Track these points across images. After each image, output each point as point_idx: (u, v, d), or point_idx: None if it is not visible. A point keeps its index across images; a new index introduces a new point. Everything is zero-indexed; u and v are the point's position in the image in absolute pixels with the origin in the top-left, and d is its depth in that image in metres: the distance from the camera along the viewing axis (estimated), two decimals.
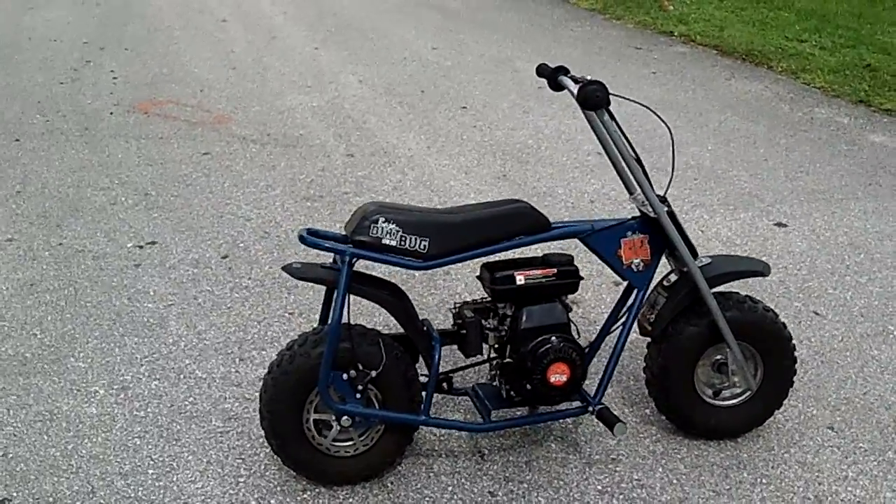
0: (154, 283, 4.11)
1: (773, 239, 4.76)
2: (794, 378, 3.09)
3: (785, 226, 4.93)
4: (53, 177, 5.38)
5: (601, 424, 3.11)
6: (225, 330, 3.75)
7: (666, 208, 2.81)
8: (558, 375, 2.78)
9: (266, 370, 2.77)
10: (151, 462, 2.96)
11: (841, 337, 3.81)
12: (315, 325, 3.73)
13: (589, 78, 2.87)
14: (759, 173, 5.70)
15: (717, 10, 10.87)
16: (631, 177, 2.87)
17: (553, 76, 2.97)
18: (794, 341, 3.05)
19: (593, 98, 2.60)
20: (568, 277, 2.82)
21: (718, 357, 3.03)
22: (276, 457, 2.87)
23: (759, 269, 3.01)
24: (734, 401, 3.07)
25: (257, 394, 3.27)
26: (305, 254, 4.38)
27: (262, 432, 2.91)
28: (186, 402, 3.28)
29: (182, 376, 3.43)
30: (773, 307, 3.30)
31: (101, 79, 7.50)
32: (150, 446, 3.04)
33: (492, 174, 5.52)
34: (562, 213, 4.94)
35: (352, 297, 2.67)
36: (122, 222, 4.74)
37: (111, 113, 6.56)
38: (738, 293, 3.01)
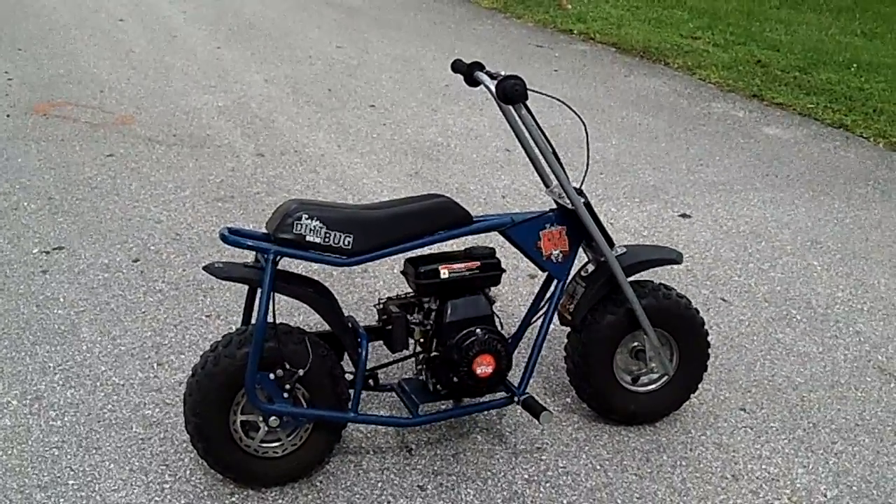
0: (63, 290, 3.99)
1: (678, 229, 4.91)
2: (707, 362, 3.21)
3: (689, 217, 5.10)
4: None
5: (526, 414, 3.19)
6: (140, 335, 3.67)
7: (583, 200, 2.89)
8: (484, 367, 2.82)
9: (189, 373, 2.73)
10: (71, 472, 2.88)
11: (748, 322, 3.97)
12: (234, 328, 3.71)
13: (504, 73, 2.94)
14: (661, 167, 5.88)
15: (614, 8, 11.15)
16: (548, 170, 2.94)
17: (469, 72, 3.01)
18: (706, 327, 3.17)
19: (512, 92, 2.65)
20: (491, 270, 2.86)
21: (635, 344, 3.12)
22: (201, 461, 2.83)
23: (672, 258, 3.11)
24: (652, 386, 3.17)
25: (178, 398, 3.25)
26: (220, 255, 4.33)
27: (186, 437, 2.88)
28: (105, 410, 3.20)
29: (99, 383, 3.35)
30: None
31: None
32: (69, 456, 2.95)
33: (404, 172, 5.54)
34: (475, 209, 4.99)
35: (275, 296, 2.65)
36: (25, 227, 4.58)
37: (7, 115, 6.32)
38: (652, 281, 3.11)
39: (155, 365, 3.48)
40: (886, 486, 2.98)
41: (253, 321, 2.81)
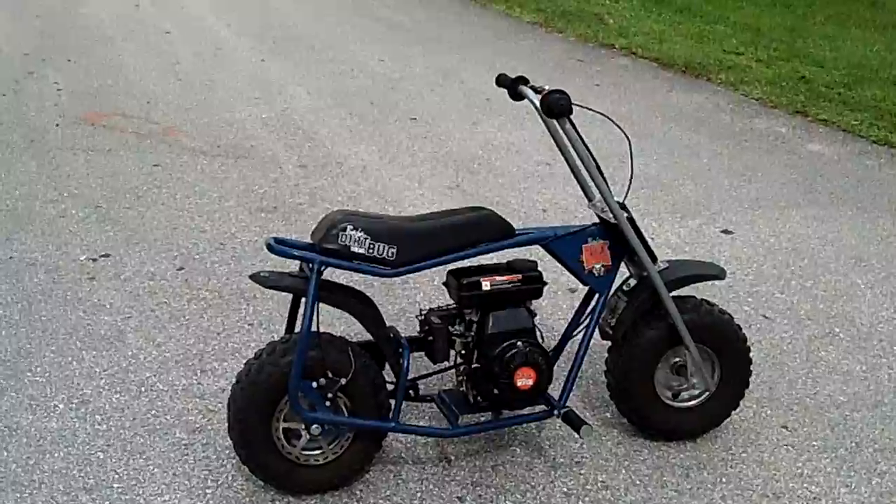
0: (110, 296, 4.07)
1: (720, 245, 4.89)
2: (749, 379, 3.19)
3: (731, 233, 5.06)
4: (0, 189, 5.28)
5: (565, 428, 3.18)
6: (184, 342, 3.73)
7: (626, 214, 2.89)
8: (525, 379, 2.82)
9: (234, 380, 2.77)
10: (116, 476, 2.93)
11: (790, 339, 3.94)
12: (276, 336, 3.75)
13: (548, 88, 2.96)
14: (703, 182, 5.85)
15: (656, 23, 11.12)
16: (591, 184, 2.95)
17: (513, 86, 3.04)
18: (748, 343, 3.15)
19: (557, 106, 2.66)
20: (532, 283, 2.88)
21: (676, 359, 3.11)
22: (243, 468, 2.87)
23: (715, 273, 3.10)
24: (692, 402, 3.16)
25: (220, 405, 3.29)
26: (262, 265, 4.38)
27: (229, 443, 2.92)
28: (149, 415, 3.25)
29: (143, 389, 3.40)
30: None
31: (45, 90, 7.37)
32: (113, 460, 3.01)
33: (444, 185, 5.57)
34: (515, 222, 4.88)
35: (319, 305, 2.68)
36: (73, 235, 4.68)
37: (57, 125, 6.46)
38: (694, 297, 3.10)
39: (198, 372, 3.53)
40: None
41: (296, 330, 2.85)
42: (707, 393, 3.14)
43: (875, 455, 3.19)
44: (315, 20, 10.92)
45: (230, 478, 2.93)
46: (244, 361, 3.50)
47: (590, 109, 2.95)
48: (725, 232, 5.07)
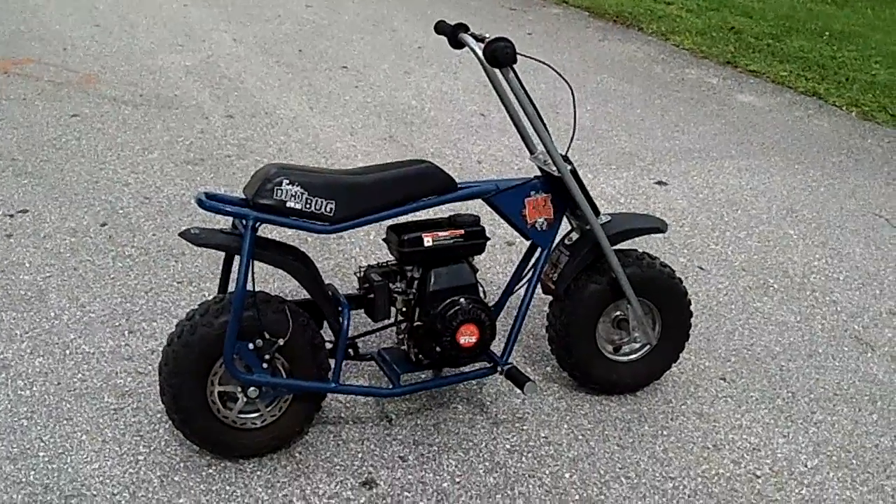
0: (29, 254, 3.87)
1: (654, 197, 4.88)
2: (689, 332, 3.19)
3: (665, 184, 5.07)
4: None
5: (507, 384, 3.15)
6: (110, 301, 3.58)
7: (569, 167, 2.83)
8: (468, 337, 2.77)
9: (165, 342, 2.65)
10: (42, 444, 2.80)
11: (725, 291, 3.96)
12: (207, 294, 3.63)
13: (489, 35, 2.86)
14: (637, 133, 5.83)
15: None
16: (533, 136, 2.88)
17: (454, 33, 2.93)
18: (689, 296, 3.15)
19: (503, 55, 2.57)
20: (475, 238, 2.81)
21: (618, 313, 3.09)
22: (177, 432, 2.76)
23: (657, 226, 3.07)
24: (634, 356, 3.15)
25: (150, 367, 3.18)
26: (190, 220, 4.23)
27: (161, 407, 2.83)
28: (75, 379, 3.11)
29: (68, 352, 3.25)
30: None
31: None
32: (38, 427, 2.87)
33: (377, 136, 5.44)
34: (451, 174, 4.91)
35: (253, 263, 2.58)
36: None
37: None
38: (636, 250, 3.07)
39: (126, 333, 3.39)
40: (865, 456, 2.99)
41: (230, 289, 2.74)
42: (648, 346, 3.13)
43: (811, 405, 3.23)
44: None
45: (163, 443, 2.82)
46: (175, 322, 3.42)
47: (534, 59, 2.88)
48: (660, 183, 5.07)
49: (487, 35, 2.86)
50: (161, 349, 3.23)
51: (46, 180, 4.56)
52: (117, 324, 3.44)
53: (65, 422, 2.90)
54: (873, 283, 4.12)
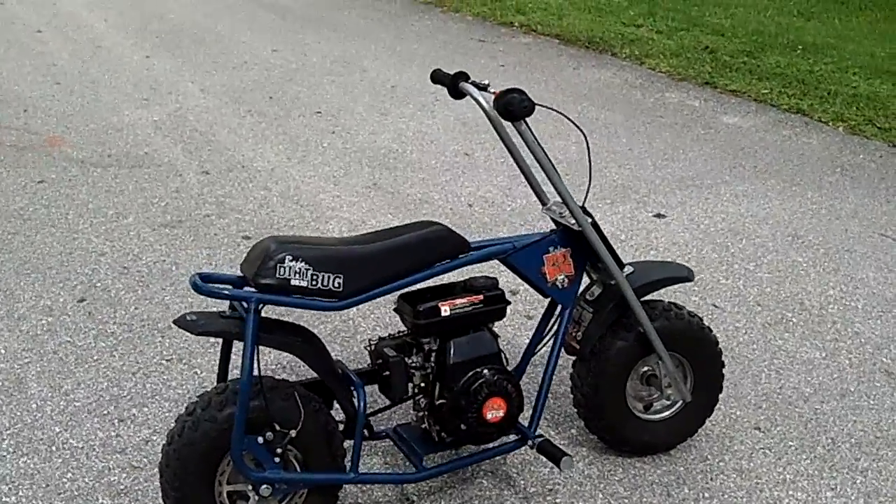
0: (3, 339, 3.60)
1: (655, 231, 4.71)
2: (722, 384, 2.99)
3: (664, 216, 4.90)
4: None
5: (531, 452, 2.92)
6: (95, 387, 3.31)
7: (589, 220, 2.64)
8: (495, 411, 2.55)
9: (165, 440, 2.40)
10: None
11: (744, 329, 3.78)
12: (199, 373, 3.38)
13: (487, 83, 2.68)
14: (626, 163, 5.68)
15: None
16: (549, 187, 2.68)
17: (454, 83, 2.74)
18: (720, 345, 2.95)
19: (519, 108, 2.38)
20: (495, 303, 2.60)
21: (646, 369, 2.89)
22: None
23: (684, 275, 2.88)
24: (666, 413, 2.95)
25: (146, 460, 2.93)
26: (173, 289, 3.99)
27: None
28: (65, 479, 2.84)
29: (54, 448, 2.99)
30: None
31: None
32: None
33: (361, 184, 5.23)
34: (443, 220, 4.71)
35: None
36: None
37: None
38: (662, 301, 2.88)
39: (116, 421, 3.13)
40: None
41: (230, 376, 2.51)
42: (681, 403, 2.92)
43: (853, 451, 3.05)
44: (197, 10, 10.30)
45: None
46: (167, 405, 3.18)
47: (548, 108, 2.69)
48: (658, 216, 4.90)
49: (486, 82, 2.69)
50: (153, 438, 3.03)
51: (16, 255, 4.29)
52: (105, 412, 3.18)
53: None
54: (893, 311, 3.96)
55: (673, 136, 6.19)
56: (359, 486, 2.80)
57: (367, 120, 6.38)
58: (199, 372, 3.41)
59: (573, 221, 2.63)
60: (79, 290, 3.99)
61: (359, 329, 3.71)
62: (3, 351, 3.53)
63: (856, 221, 4.87)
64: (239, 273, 2.47)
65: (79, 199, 4.94)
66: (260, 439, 2.37)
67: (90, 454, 2.97)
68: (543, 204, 2.83)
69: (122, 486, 2.82)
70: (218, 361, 2.63)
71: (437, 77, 2.83)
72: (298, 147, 5.81)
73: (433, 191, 5.15)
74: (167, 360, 3.49)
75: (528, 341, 2.89)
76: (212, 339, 3.58)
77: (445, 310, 2.52)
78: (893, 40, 8.98)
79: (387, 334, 2.73)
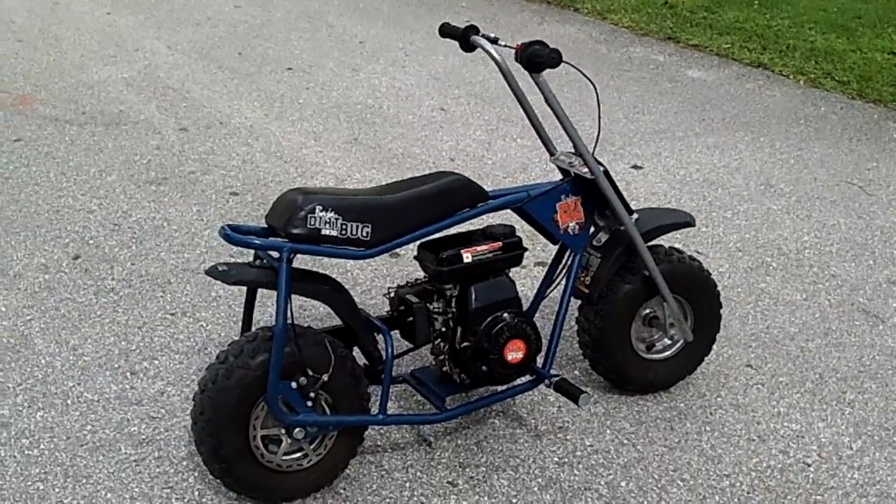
0: (2, 298, 3.60)
1: (634, 182, 4.84)
2: (720, 323, 3.14)
3: (641, 168, 5.03)
4: None
5: (540, 392, 3.05)
6: (103, 342, 3.35)
7: (601, 168, 2.74)
8: (515, 353, 2.66)
9: (197, 388, 2.46)
10: None
11: (728, 274, 3.94)
12: (206, 326, 3.43)
13: (493, 35, 2.76)
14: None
15: None
16: (561, 137, 2.78)
17: (465, 36, 2.80)
18: (718, 288, 3.09)
19: (548, 59, 2.47)
20: (513, 250, 2.69)
21: (648, 311, 3.02)
22: (210, 479, 2.60)
23: (686, 220, 3.02)
24: (667, 353, 3.08)
25: (164, 410, 2.99)
26: (168, 244, 4.01)
27: (184, 454, 2.73)
28: (84, 431, 2.89)
29: (70, 401, 3.02)
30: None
31: None
32: (57, 490, 2.65)
33: (342, 139, 5.26)
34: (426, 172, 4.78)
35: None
36: None
37: None
38: (664, 246, 3.00)
39: (128, 374, 3.17)
40: None
41: (255, 326, 2.57)
42: (682, 343, 3.06)
43: (839, 384, 3.23)
44: None
45: (197, 493, 2.64)
46: (177, 358, 3.23)
47: (570, 65, 2.79)
48: (635, 167, 5.03)
49: (493, 34, 2.76)
50: (168, 389, 3.08)
51: (3, 213, 4.26)
52: (116, 366, 3.22)
53: (84, 480, 2.69)
54: (865, 254, 4.15)
55: (641, 90, 6.32)
56: (377, 430, 2.89)
57: (340, 76, 6.39)
58: (204, 325, 3.46)
59: (585, 170, 2.73)
60: (72, 247, 3.99)
61: (358, 280, 3.78)
62: (3, 309, 3.53)
63: (823, 170, 5.05)
64: (263, 224, 2.52)
65: (58, 157, 4.90)
66: (293, 384, 2.44)
67: (107, 406, 3.01)
68: (551, 154, 2.92)
69: (143, 436, 2.87)
70: (242, 311, 2.69)
71: (447, 31, 2.89)
72: (274, 103, 5.81)
73: (414, 145, 5.20)
74: (171, 315, 3.52)
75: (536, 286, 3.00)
76: (213, 293, 3.63)
77: (467, 257, 2.61)
78: None
79: (405, 282, 2.81)
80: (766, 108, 6.04)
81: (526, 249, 2.75)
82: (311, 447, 2.56)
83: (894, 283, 3.90)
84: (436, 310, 2.67)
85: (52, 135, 5.19)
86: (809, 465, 2.83)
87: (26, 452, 2.80)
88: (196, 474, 2.70)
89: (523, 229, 2.92)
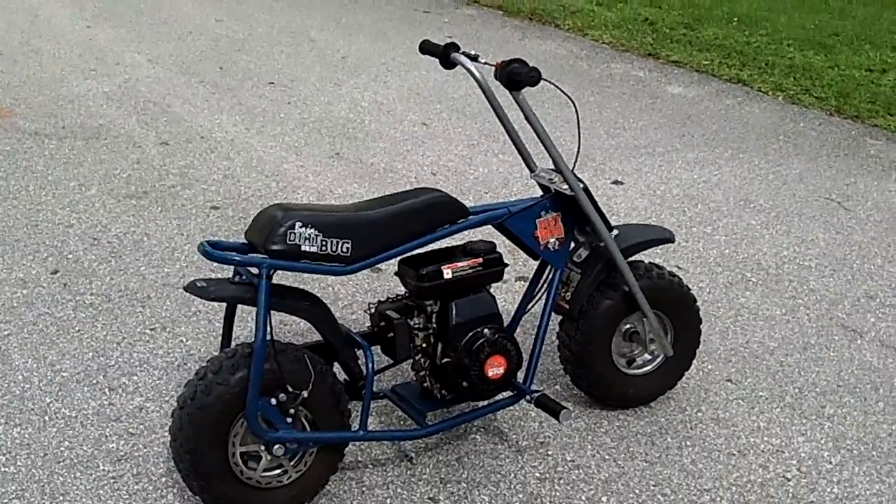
0: None
1: (615, 198, 4.87)
2: (700, 338, 3.16)
3: (622, 183, 5.06)
4: None
5: (521, 407, 3.05)
6: (81, 357, 3.32)
7: (581, 185, 2.76)
8: (496, 369, 2.66)
9: (176, 405, 2.45)
10: None
11: (708, 289, 3.96)
12: (185, 341, 3.41)
13: (474, 53, 2.77)
14: (581, 133, 5.80)
15: None
16: (545, 153, 2.79)
17: (445, 53, 2.81)
18: (698, 303, 3.11)
19: (526, 77, 2.48)
20: (493, 266, 2.70)
21: (628, 327, 3.03)
22: (189, 497, 2.59)
23: (666, 237, 3.03)
24: (647, 368, 3.09)
25: (142, 427, 2.97)
26: (147, 259, 3.99)
27: (162, 470, 2.70)
28: (62, 448, 2.86)
29: (47, 418, 3.00)
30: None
31: None
32: None
33: (323, 153, 5.26)
34: (406, 188, 4.79)
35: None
36: None
37: None
38: (643, 262, 3.01)
39: (107, 390, 3.15)
40: (882, 447, 3.01)
41: (234, 342, 2.56)
42: (663, 358, 3.08)
43: (819, 399, 3.25)
44: None
45: None
46: (156, 374, 3.21)
47: (549, 82, 2.80)
48: (616, 183, 5.06)
49: (472, 52, 2.77)
50: (147, 405, 3.06)
51: None
52: (94, 381, 3.19)
53: (61, 497, 2.66)
54: (844, 269, 4.19)
55: (622, 106, 6.36)
56: (359, 444, 2.88)
57: (322, 90, 6.39)
58: (184, 340, 3.44)
59: (565, 187, 2.74)
60: (50, 261, 3.96)
61: (339, 296, 3.77)
62: None
63: (802, 186, 5.10)
64: (242, 240, 2.52)
65: (37, 171, 4.87)
66: (273, 401, 2.43)
67: (85, 423, 2.98)
68: (532, 170, 2.93)
69: (122, 453, 2.85)
70: (222, 326, 2.68)
71: (427, 48, 2.90)
72: (256, 118, 5.80)
73: (396, 160, 5.21)
74: (151, 330, 3.50)
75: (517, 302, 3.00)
76: (193, 308, 3.62)
77: (448, 273, 2.61)
78: (820, 12, 9.31)
79: (386, 298, 2.81)
80: (746, 123, 6.09)
81: (506, 265, 2.76)
82: (291, 464, 2.55)
83: (872, 298, 3.94)
84: (416, 325, 2.67)
85: (30, 148, 5.17)
86: (789, 480, 2.84)
87: (3, 469, 2.77)
88: (175, 491, 2.68)
89: (504, 245, 2.93)
